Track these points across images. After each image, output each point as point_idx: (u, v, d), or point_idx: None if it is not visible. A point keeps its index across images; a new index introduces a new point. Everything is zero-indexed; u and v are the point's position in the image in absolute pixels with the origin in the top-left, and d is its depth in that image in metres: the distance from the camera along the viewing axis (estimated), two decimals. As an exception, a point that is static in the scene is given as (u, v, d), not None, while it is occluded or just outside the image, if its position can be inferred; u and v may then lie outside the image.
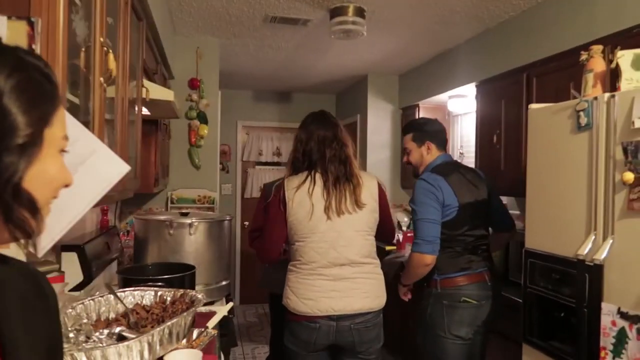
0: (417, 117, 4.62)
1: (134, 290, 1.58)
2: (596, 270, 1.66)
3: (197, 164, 3.76)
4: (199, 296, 1.53)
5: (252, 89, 5.94)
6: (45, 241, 0.96)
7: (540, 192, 1.97)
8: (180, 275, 1.87)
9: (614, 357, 1.60)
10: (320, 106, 6.12)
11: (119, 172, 1.01)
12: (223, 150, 5.89)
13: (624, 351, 1.56)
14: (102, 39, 1.30)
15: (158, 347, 1.23)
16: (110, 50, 1.34)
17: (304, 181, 2.00)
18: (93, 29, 1.28)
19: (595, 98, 1.69)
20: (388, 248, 4.43)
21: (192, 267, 1.97)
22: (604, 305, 1.63)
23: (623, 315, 1.57)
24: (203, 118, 3.75)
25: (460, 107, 4.19)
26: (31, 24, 0.93)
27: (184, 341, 1.67)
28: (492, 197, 2.39)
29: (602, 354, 1.64)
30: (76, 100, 1.27)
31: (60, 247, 2.10)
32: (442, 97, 4.25)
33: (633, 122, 1.52)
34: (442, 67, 4.17)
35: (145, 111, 2.54)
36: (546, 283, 1.91)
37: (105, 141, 1.62)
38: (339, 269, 1.97)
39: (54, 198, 0.64)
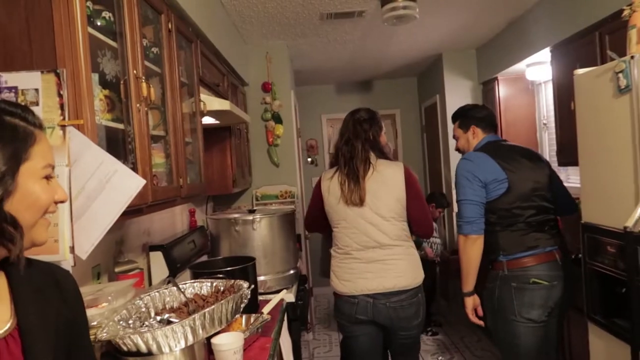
0: (496, 91, 4.44)
1: (193, 282, 1.81)
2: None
3: (276, 162, 4.01)
4: (244, 285, 1.71)
5: (333, 82, 6.09)
6: (87, 246, 1.19)
7: (591, 162, 1.86)
8: (240, 267, 2.08)
9: (671, 333, 1.49)
10: (403, 90, 6.22)
11: (137, 185, 1.21)
12: (310, 145, 6.14)
13: (680, 326, 1.45)
14: (135, 72, 1.52)
15: (201, 331, 1.43)
16: (143, 79, 1.55)
17: (335, 173, 2.24)
18: (127, 65, 1.50)
19: (632, 57, 1.57)
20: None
21: (252, 259, 2.18)
22: (656, 278, 1.53)
23: (677, 288, 1.46)
24: (277, 118, 3.99)
25: (540, 75, 3.94)
26: (57, 75, 1.16)
27: (244, 324, 1.89)
28: (553, 178, 2.27)
29: (660, 330, 1.54)
30: (120, 125, 1.51)
31: (149, 248, 2.44)
32: (520, 66, 4.04)
33: (668, 80, 1.40)
34: (516, 35, 3.95)
35: (213, 121, 2.82)
36: (603, 258, 1.81)
37: (157, 155, 1.88)
38: (371, 252, 2.15)
39: (47, 214, 0.83)
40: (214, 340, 1.52)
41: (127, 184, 1.20)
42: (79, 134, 1.16)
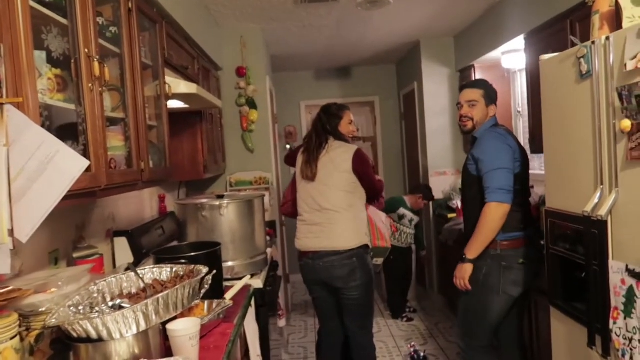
0: (473, 78, 4.44)
1: (153, 268, 1.77)
2: (600, 226, 1.56)
3: (250, 147, 3.97)
4: (204, 270, 1.69)
5: (312, 68, 6.03)
6: (27, 229, 1.15)
7: (555, 149, 1.86)
8: (204, 252, 2.05)
9: (625, 317, 1.50)
10: (382, 77, 6.21)
11: (80, 167, 1.17)
12: (289, 131, 6.09)
13: (634, 311, 1.47)
14: (87, 50, 1.47)
15: (154, 316, 1.40)
16: (96, 59, 1.50)
17: (301, 153, 2.72)
18: (77, 44, 1.45)
19: (593, 42, 1.56)
20: (450, 216, 4.36)
21: (218, 245, 2.15)
22: (612, 262, 1.54)
23: (631, 272, 1.46)
24: (252, 104, 3.93)
25: (515, 63, 3.95)
26: (-6, 50, 1.11)
27: (206, 309, 1.87)
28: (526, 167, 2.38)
29: (615, 314, 1.55)
30: (72, 106, 1.46)
31: (113, 233, 2.40)
32: (496, 54, 4.04)
33: (625, 65, 1.40)
34: (492, 22, 3.95)
35: (182, 105, 2.76)
36: (564, 243, 1.82)
37: (115, 138, 1.83)
38: (314, 215, 2.58)
39: None
40: (169, 326, 1.50)
41: (70, 166, 1.16)
42: (18, 113, 1.11)
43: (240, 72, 3.92)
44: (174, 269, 1.78)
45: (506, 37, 3.70)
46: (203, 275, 1.64)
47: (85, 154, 1.46)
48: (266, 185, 3.94)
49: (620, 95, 1.43)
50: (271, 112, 4.29)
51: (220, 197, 2.57)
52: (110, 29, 1.82)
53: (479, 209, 2.21)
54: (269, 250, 2.98)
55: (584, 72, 1.61)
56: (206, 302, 1.90)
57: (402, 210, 4.44)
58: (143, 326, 1.38)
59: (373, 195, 2.73)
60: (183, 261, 1.95)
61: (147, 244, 2.50)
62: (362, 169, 2.60)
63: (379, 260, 2.74)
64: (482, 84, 2.50)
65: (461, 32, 4.63)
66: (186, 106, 2.84)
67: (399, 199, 4.54)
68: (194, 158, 3.16)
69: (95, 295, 1.51)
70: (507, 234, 2.24)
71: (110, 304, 1.48)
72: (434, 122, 4.88)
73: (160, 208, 3.11)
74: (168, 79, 2.32)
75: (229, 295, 1.92)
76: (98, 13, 1.77)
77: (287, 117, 5.99)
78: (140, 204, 2.89)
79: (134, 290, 1.70)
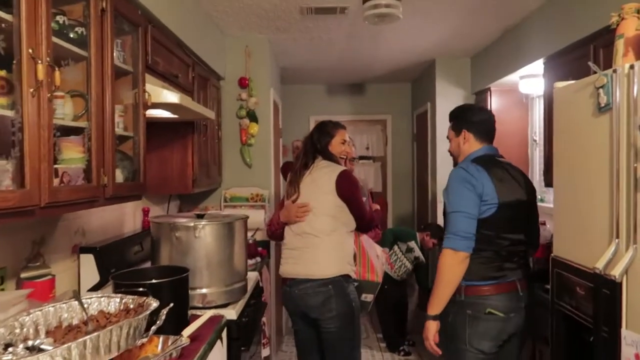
0: (489, 102, 4.21)
1: (101, 297, 1.58)
2: (614, 287, 1.32)
3: (248, 162, 3.78)
4: (153, 304, 1.49)
5: (324, 82, 5.86)
6: None
7: (566, 188, 1.63)
8: (167, 280, 1.86)
9: (638, 399, 1.26)
10: (395, 95, 5.99)
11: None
12: (297, 146, 5.89)
13: (649, 393, 1.22)
14: (30, 51, 1.30)
15: (79, 361, 1.21)
16: (42, 61, 1.33)
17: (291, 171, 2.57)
18: (20, 43, 1.28)
19: (614, 71, 1.34)
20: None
21: (186, 271, 1.95)
22: (625, 332, 1.29)
23: (648, 347, 1.22)
24: (253, 116, 3.76)
25: (533, 88, 3.71)
26: None
27: (160, 346, 1.66)
28: (534, 210, 2.05)
29: (626, 393, 1.30)
30: (9, 112, 1.29)
31: (79, 250, 2.22)
32: (513, 78, 3.80)
33: (652, 99, 1.17)
34: (511, 44, 3.72)
35: (169, 114, 2.59)
36: (571, 299, 1.57)
37: (73, 150, 1.66)
38: (295, 239, 2.42)
39: None
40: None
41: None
42: None
43: (243, 83, 3.76)
44: (124, 300, 1.58)
45: (524, 60, 3.47)
46: (148, 312, 1.44)
47: (20, 168, 1.28)
48: (262, 203, 3.75)
49: (644, 135, 1.21)
50: (274, 125, 4.11)
51: (200, 216, 2.38)
52: (76, 29, 1.66)
53: None
54: (253, 274, 2.77)
55: (603, 105, 1.38)
56: (161, 338, 1.70)
57: (412, 244, 4.20)
58: (63, 374, 1.18)
59: (363, 225, 2.48)
60: (141, 289, 1.76)
61: (119, 262, 2.31)
62: (349, 192, 2.38)
63: (369, 297, 2.47)
64: (451, 114, 2.29)
65: (478, 53, 4.41)
66: (174, 116, 2.67)
67: (413, 233, 4.33)
68: (183, 171, 2.98)
69: (24, 329, 1.32)
70: (472, 281, 1.97)
71: (30, 343, 1.29)
72: (446, 146, 4.63)
73: (143, 222, 2.93)
74: (150, 86, 2.16)
75: (187, 331, 1.72)
76: (60, 12, 1.62)
77: (295, 131, 5.79)
78: (121, 218, 2.72)
79: (75, 322, 1.51)
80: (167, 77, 2.49)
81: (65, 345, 1.18)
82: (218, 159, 3.68)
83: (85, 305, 1.54)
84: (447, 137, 2.33)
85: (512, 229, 1.97)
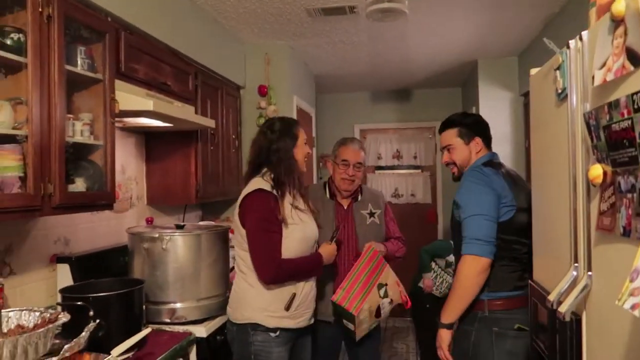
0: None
1: (22, 310, 1.52)
2: (570, 326, 1.01)
3: (267, 172, 3.67)
4: (62, 318, 1.40)
5: (367, 89, 5.64)
6: None
7: (537, 196, 1.33)
8: (114, 293, 1.76)
9: None
10: (445, 101, 5.64)
11: None
12: (325, 161, 5.73)
13: None
14: None
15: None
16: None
17: None
18: None
19: (568, 46, 1.04)
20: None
21: (140, 283, 1.85)
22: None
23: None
24: (272, 125, 3.64)
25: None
26: None
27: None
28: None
29: None
30: None
31: (57, 259, 2.21)
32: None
33: (592, 78, 0.88)
34: (554, 36, 3.30)
35: (159, 123, 2.54)
36: (544, 336, 1.25)
37: (7, 158, 1.62)
38: None
39: None
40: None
41: None
42: None
43: (262, 91, 3.67)
44: (43, 314, 1.51)
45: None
46: (45, 329, 1.35)
47: None
48: (281, 214, 3.60)
49: (588, 126, 0.91)
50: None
51: (180, 227, 2.29)
52: (12, 35, 1.63)
53: None
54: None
55: (560, 91, 1.08)
56: (92, 356, 1.61)
57: (451, 257, 3.86)
58: None
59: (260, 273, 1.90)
60: (79, 303, 1.69)
61: (101, 272, 2.28)
62: (245, 220, 1.92)
63: (350, 325, 2.17)
64: (453, 122, 2.08)
65: (524, 50, 3.99)
66: (169, 125, 2.62)
67: (450, 245, 3.98)
68: (186, 181, 2.93)
69: None
70: (496, 292, 1.76)
71: None
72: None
73: (145, 232, 2.90)
74: (121, 94, 2.11)
75: (119, 349, 1.60)
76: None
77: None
78: (118, 228, 2.70)
79: (-9, 335, 1.45)
80: (154, 85, 2.44)
81: None
82: (237, 168, 3.60)
83: (5, 319, 1.49)
84: (448, 147, 2.10)
85: (528, 235, 1.75)
